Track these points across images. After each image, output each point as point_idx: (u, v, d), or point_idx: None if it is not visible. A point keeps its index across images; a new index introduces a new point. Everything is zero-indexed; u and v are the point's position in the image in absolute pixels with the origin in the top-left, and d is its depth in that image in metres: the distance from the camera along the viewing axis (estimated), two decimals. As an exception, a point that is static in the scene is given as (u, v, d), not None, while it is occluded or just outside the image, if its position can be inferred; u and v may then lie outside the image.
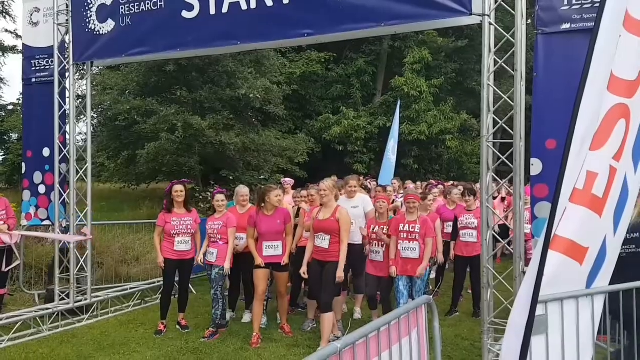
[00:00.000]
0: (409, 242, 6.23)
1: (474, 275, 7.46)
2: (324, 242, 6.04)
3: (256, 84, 16.57)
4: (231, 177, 16.95)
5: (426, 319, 3.59)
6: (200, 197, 15.88)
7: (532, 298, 2.94)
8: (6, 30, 25.86)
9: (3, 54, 24.32)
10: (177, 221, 6.75)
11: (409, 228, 6.28)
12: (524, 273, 4.97)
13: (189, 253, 6.84)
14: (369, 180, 13.26)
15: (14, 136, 23.69)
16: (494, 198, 9.51)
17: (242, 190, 7.40)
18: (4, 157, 25.39)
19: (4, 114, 25.18)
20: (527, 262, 5.23)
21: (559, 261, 3.11)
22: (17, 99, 24.93)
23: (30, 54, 7.92)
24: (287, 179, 10.19)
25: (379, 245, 6.51)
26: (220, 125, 16.26)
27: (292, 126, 21.41)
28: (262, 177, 17.98)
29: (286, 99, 19.57)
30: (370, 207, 7.15)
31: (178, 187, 6.86)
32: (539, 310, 3.05)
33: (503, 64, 5.21)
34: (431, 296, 3.74)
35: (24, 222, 7.98)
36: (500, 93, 5.24)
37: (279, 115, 18.96)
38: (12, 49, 24.01)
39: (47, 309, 7.14)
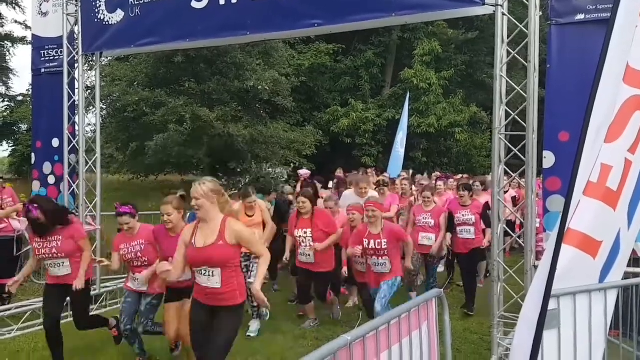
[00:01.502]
0: (377, 258, 5.81)
1: (468, 268, 7.38)
2: (211, 279, 3.99)
3: (264, 76, 16.53)
4: (239, 170, 16.96)
5: (436, 312, 3.57)
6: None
7: (545, 292, 2.91)
8: (15, 21, 25.98)
9: (12, 45, 24.46)
10: (39, 243, 5.12)
11: (374, 245, 5.77)
12: (535, 267, 4.94)
13: (70, 277, 5.15)
14: (375, 172, 13.18)
15: (24, 127, 23.82)
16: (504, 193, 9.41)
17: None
18: (13, 147, 25.54)
19: (13, 105, 25.34)
20: (536, 255, 5.20)
21: (572, 255, 3.08)
22: (27, 90, 25.07)
23: (39, 44, 7.92)
24: (302, 171, 10.09)
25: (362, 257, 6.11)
26: (229, 117, 16.25)
27: (300, 118, 21.35)
28: (269, 169, 17.99)
29: (294, 91, 19.51)
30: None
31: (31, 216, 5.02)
32: (552, 304, 3.02)
33: (516, 55, 5.15)
34: (441, 289, 3.71)
35: (34, 213, 8.01)
36: (513, 84, 5.18)
37: (287, 107, 18.91)
38: (22, 40, 24.15)
39: (57, 298, 7.16)
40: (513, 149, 5.20)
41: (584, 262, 3.15)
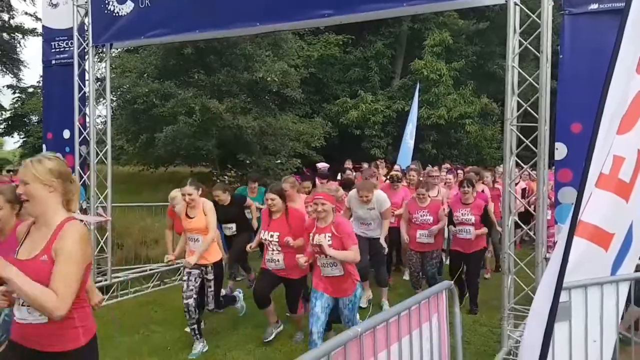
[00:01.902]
0: (326, 257, 4.74)
1: (471, 270, 7.03)
2: (32, 312, 2.55)
3: (274, 67, 16.51)
4: (248, 161, 16.99)
5: (446, 304, 3.56)
6: (218, 181, 15.95)
7: (556, 284, 2.89)
8: (26, 13, 26.14)
9: (23, 37, 24.60)
10: None
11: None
12: (546, 259, 4.91)
13: None
14: (385, 164, 13.09)
15: (34, 118, 24.02)
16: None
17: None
18: (24, 139, 25.78)
19: (24, 97, 25.53)
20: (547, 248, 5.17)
21: (584, 247, 3.05)
22: (37, 82, 25.26)
23: (49, 35, 7.95)
24: (321, 164, 9.95)
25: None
26: (238, 108, 16.27)
27: (309, 110, 21.33)
28: (278, 161, 17.99)
29: (303, 83, 19.48)
30: (387, 205, 6.80)
31: None
32: (563, 296, 2.99)
33: (528, 45, 5.09)
34: (452, 282, 3.70)
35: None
36: (525, 75, 5.13)
37: (296, 98, 18.90)
38: (32, 32, 24.28)
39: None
40: (525, 140, 5.16)
41: (595, 255, 3.12)
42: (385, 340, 2.75)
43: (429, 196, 7.19)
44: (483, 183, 9.01)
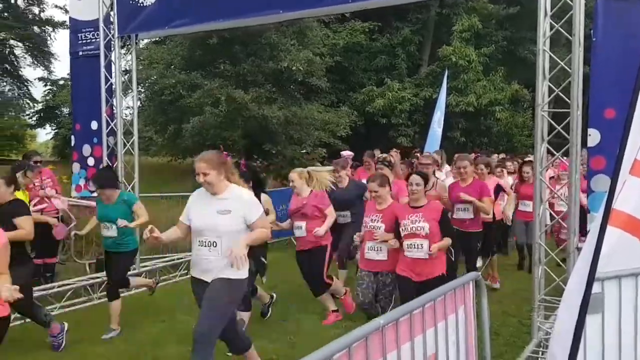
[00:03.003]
0: None
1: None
2: None
3: (299, 56, 16.43)
4: (274, 151, 17.01)
5: (474, 295, 3.47)
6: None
7: (589, 275, 2.79)
8: (56, 6, 26.57)
9: (53, 30, 25.00)
10: None
11: None
12: (578, 249, 4.77)
13: None
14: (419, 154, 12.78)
15: (65, 110, 24.43)
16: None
17: None
18: (55, 130, 26.25)
19: (55, 89, 25.97)
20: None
21: (617, 237, 2.94)
22: (68, 74, 25.64)
23: (76, 27, 8.01)
24: (345, 152, 9.92)
25: None
26: (263, 98, 16.27)
27: (335, 99, 21.18)
28: (303, 151, 17.97)
29: (329, 71, 19.34)
30: (257, 213, 4.20)
31: None
32: (595, 288, 2.89)
33: (560, 28, 4.92)
34: (479, 272, 3.61)
35: (74, 194, 8.18)
36: (557, 59, 4.97)
37: (321, 87, 18.79)
38: (62, 25, 24.64)
39: (98, 277, 7.34)
40: (557, 126, 5.01)
41: (629, 245, 3.02)
42: (408, 333, 2.69)
43: (392, 197, 5.65)
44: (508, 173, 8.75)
